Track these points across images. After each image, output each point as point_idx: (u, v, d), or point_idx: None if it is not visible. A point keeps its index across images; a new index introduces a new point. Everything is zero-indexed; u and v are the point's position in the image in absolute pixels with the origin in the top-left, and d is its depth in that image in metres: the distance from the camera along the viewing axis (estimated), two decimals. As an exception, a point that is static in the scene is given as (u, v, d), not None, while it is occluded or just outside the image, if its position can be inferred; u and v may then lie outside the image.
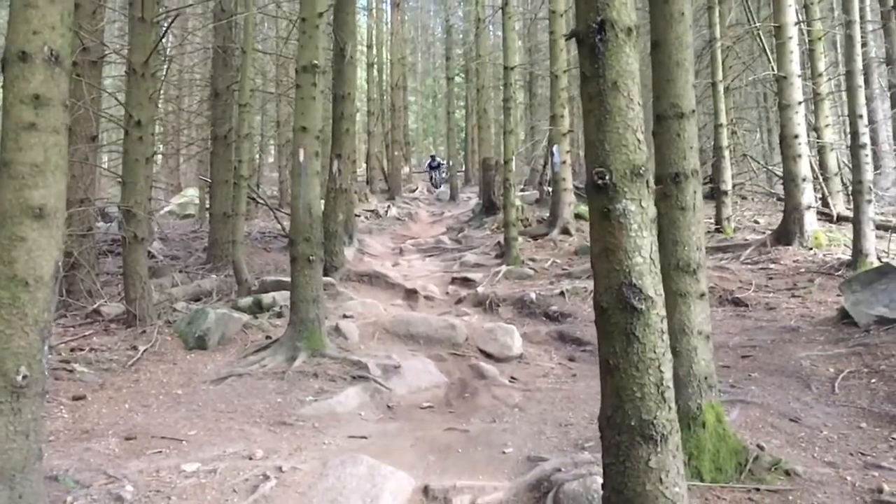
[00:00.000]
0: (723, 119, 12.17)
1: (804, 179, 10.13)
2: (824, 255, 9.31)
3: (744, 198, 15.43)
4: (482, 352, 6.75)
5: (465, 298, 9.07)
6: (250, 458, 3.97)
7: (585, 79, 2.38)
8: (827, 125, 12.88)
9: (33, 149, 2.85)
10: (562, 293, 8.55)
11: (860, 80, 8.68)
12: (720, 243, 10.98)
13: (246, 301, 7.92)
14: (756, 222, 13.04)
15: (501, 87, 12.68)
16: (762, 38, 12.47)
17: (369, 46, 26.76)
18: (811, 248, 9.67)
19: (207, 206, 13.81)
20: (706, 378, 3.40)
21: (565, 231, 12.64)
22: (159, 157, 19.80)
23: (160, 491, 3.48)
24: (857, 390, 4.71)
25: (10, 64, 2.87)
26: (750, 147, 18.26)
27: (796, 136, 10.22)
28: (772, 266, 9.17)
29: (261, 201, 15.71)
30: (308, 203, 6.43)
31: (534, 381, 6.04)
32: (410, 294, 9.35)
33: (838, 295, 6.75)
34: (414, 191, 27.37)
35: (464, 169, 30.51)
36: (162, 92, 14.57)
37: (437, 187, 26.68)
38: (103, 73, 9.88)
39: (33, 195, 2.83)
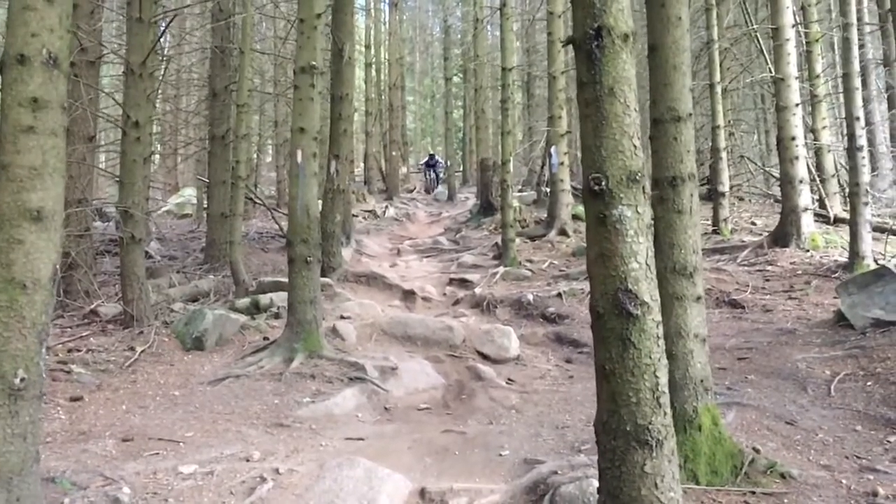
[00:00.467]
0: (720, 121, 12.20)
1: (801, 181, 10.15)
2: (821, 257, 9.32)
3: (741, 199, 15.45)
4: (479, 353, 6.76)
5: (463, 299, 9.08)
6: (247, 460, 3.98)
7: (582, 85, 2.39)
8: (824, 127, 12.88)
9: (31, 152, 2.86)
10: (559, 295, 8.55)
11: (857, 82, 8.71)
12: (717, 245, 11.00)
13: (243, 302, 7.92)
14: (753, 224, 13.06)
15: (499, 88, 12.66)
16: (760, 39, 12.50)
17: (367, 46, 26.71)
18: (808, 250, 9.68)
19: (205, 206, 13.78)
20: (702, 381, 3.41)
21: (563, 232, 12.64)
22: (157, 156, 19.80)
23: (157, 493, 3.49)
24: (853, 393, 4.73)
25: (8, 67, 2.87)
26: (747, 149, 18.31)
27: (793, 138, 10.24)
28: (768, 268, 9.19)
29: (258, 201, 15.67)
30: (306, 204, 6.43)
31: (531, 383, 6.05)
32: (408, 295, 9.36)
33: (835, 297, 6.77)
34: (412, 191, 27.31)
35: (462, 169, 30.44)
36: (160, 92, 14.55)
37: (434, 187, 26.47)
38: (101, 73, 9.86)
39: (31, 198, 2.84)
